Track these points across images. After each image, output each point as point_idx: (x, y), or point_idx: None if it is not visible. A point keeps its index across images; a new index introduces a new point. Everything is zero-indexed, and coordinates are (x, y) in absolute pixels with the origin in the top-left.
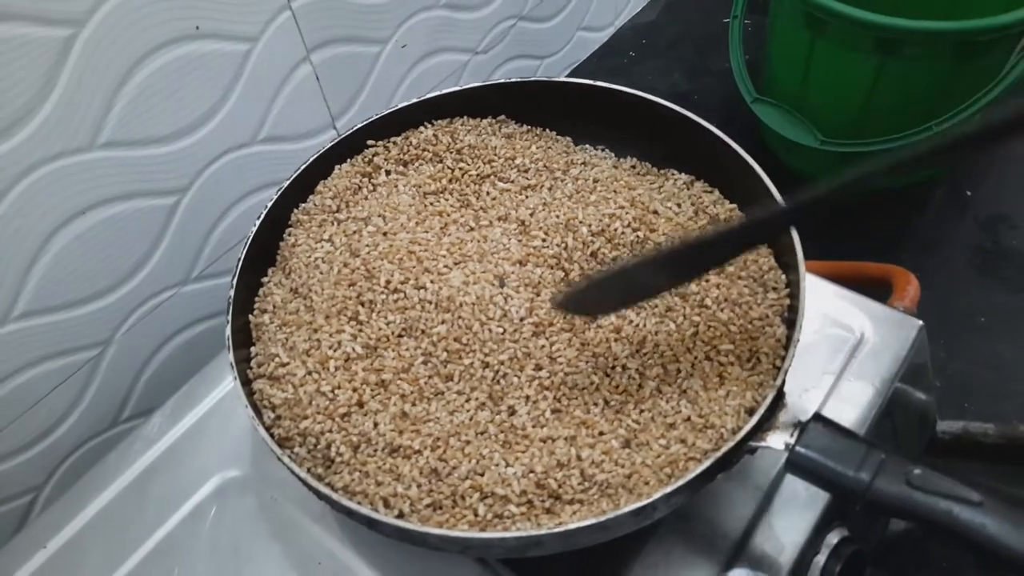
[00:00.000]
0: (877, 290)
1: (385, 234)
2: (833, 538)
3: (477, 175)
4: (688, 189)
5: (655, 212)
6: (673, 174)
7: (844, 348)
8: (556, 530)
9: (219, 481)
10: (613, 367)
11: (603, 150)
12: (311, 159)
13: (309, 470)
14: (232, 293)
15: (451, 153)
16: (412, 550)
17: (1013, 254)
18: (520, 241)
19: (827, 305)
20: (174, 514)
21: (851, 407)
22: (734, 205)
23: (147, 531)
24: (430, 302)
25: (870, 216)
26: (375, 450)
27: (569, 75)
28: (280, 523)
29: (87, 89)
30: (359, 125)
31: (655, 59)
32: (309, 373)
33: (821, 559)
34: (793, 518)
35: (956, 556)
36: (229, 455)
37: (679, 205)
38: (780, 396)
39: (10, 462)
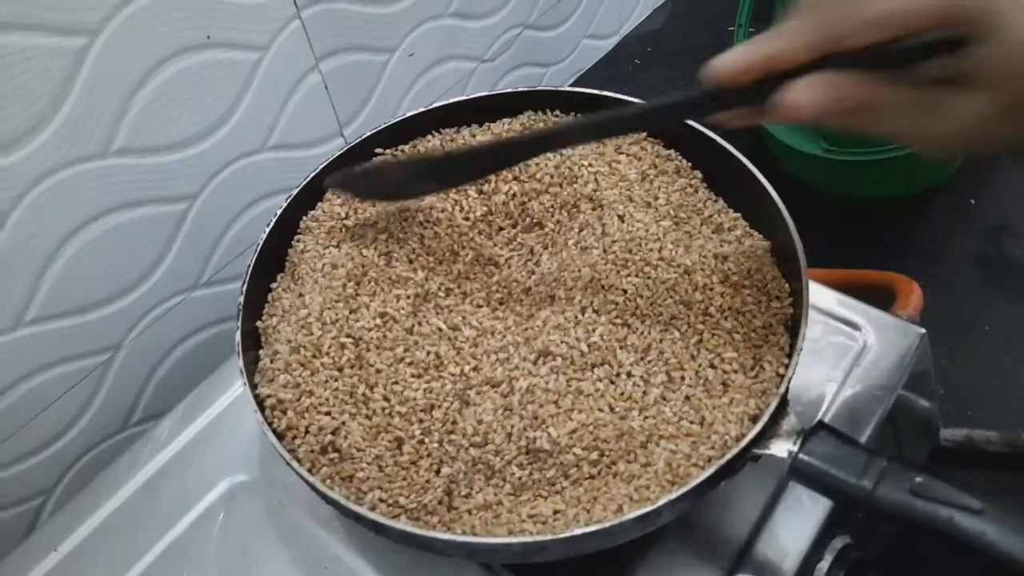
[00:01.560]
0: (880, 298)
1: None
2: (836, 544)
3: None
4: (693, 195)
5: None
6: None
7: (847, 356)
8: (561, 535)
9: (228, 485)
10: (618, 374)
11: None
12: (320, 167)
13: (316, 474)
14: (242, 298)
15: None
16: (418, 555)
17: (1016, 263)
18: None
19: (830, 313)
20: (183, 518)
21: (854, 414)
22: (738, 214)
23: (157, 534)
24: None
25: (873, 224)
26: (384, 453)
27: (575, 82)
28: (288, 527)
29: (101, 97)
30: (367, 134)
31: (660, 67)
32: (316, 376)
33: (824, 566)
34: (796, 525)
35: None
36: (238, 459)
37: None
38: (783, 404)
39: (21, 465)
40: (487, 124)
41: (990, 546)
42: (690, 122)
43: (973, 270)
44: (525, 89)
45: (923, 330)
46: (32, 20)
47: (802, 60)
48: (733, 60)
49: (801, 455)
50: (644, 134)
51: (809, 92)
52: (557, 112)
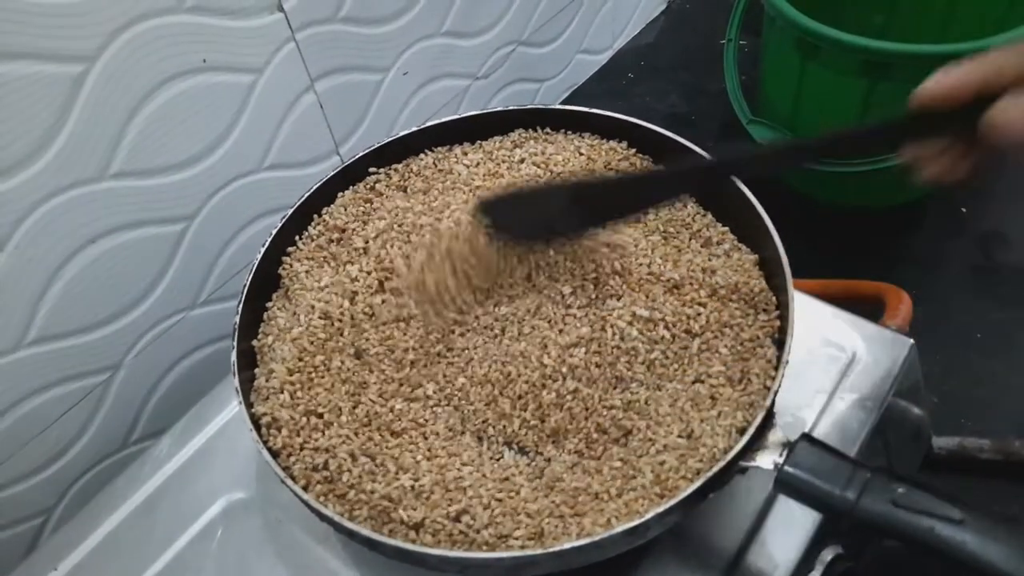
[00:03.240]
0: (870, 308)
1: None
2: (827, 555)
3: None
4: (682, 210)
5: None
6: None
7: (836, 367)
8: (551, 550)
9: (226, 503)
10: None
11: None
12: (315, 187)
13: (310, 491)
14: (238, 319)
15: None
16: (415, 571)
17: (1008, 271)
18: None
19: (819, 325)
20: (182, 535)
21: (843, 425)
22: (727, 228)
23: (156, 552)
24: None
25: (865, 233)
26: (378, 471)
27: (569, 97)
28: (285, 544)
29: (98, 122)
30: (361, 153)
31: (653, 81)
32: (310, 393)
33: None
34: (787, 535)
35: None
36: (236, 477)
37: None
38: (770, 416)
39: (22, 485)
40: (479, 142)
41: (970, 556)
42: (674, 136)
43: (965, 278)
44: (516, 108)
45: (911, 341)
46: (30, 48)
47: (1012, 80)
48: (945, 79)
49: (787, 467)
50: (633, 150)
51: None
52: (547, 129)
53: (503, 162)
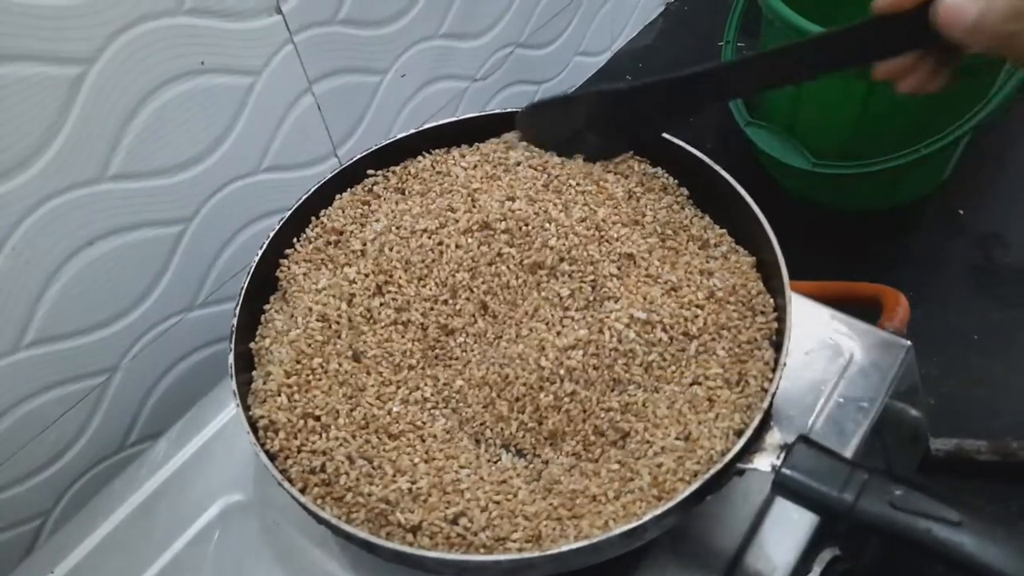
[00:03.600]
0: (868, 310)
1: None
2: (825, 557)
3: None
4: (679, 212)
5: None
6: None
7: (833, 369)
8: (549, 552)
9: (223, 505)
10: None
11: None
12: (312, 189)
13: (308, 494)
14: (235, 321)
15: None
16: (410, 573)
17: (1005, 271)
18: None
19: (817, 327)
20: (179, 538)
21: (840, 427)
22: (724, 230)
23: (153, 555)
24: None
25: (863, 235)
26: (375, 473)
27: None
28: (282, 547)
29: (96, 124)
30: (358, 156)
31: None
32: (308, 395)
33: None
34: (785, 537)
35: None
36: (233, 479)
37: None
38: (767, 418)
39: (19, 487)
40: (477, 144)
41: (967, 557)
42: (670, 138)
43: (963, 279)
44: (514, 110)
45: (908, 343)
46: (28, 50)
47: None
48: None
49: (784, 469)
50: (631, 153)
51: None
52: None
53: (499, 164)
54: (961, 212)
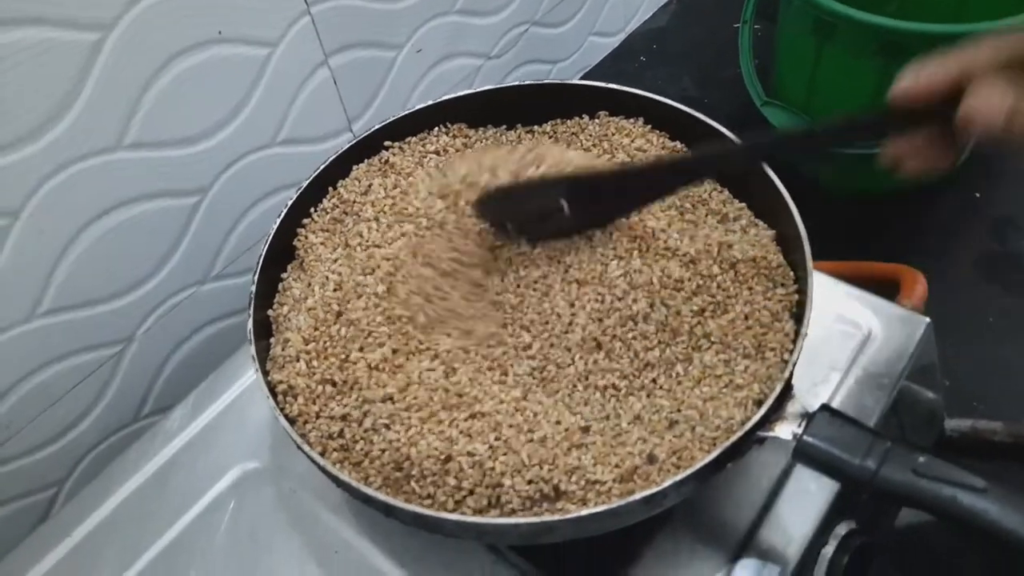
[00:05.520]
0: (885, 289)
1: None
2: (841, 530)
3: None
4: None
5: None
6: None
7: (851, 345)
8: (568, 516)
9: (238, 473)
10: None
11: None
12: (330, 159)
13: (327, 458)
14: (254, 287)
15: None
16: (427, 539)
17: (1021, 256)
18: None
19: (835, 302)
20: (194, 505)
21: (858, 403)
22: (743, 204)
23: (169, 522)
24: None
25: (878, 218)
26: (391, 435)
27: (581, 79)
28: (298, 514)
29: (113, 92)
30: (376, 127)
31: (665, 65)
32: (327, 363)
33: (829, 551)
34: (801, 510)
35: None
36: (248, 448)
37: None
38: (788, 388)
39: (33, 457)
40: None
41: (993, 524)
42: (693, 112)
43: (978, 263)
44: (532, 83)
45: (927, 319)
46: (46, 15)
47: (983, 72)
48: (918, 77)
49: (805, 437)
50: (649, 127)
51: (998, 91)
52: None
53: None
54: (977, 196)
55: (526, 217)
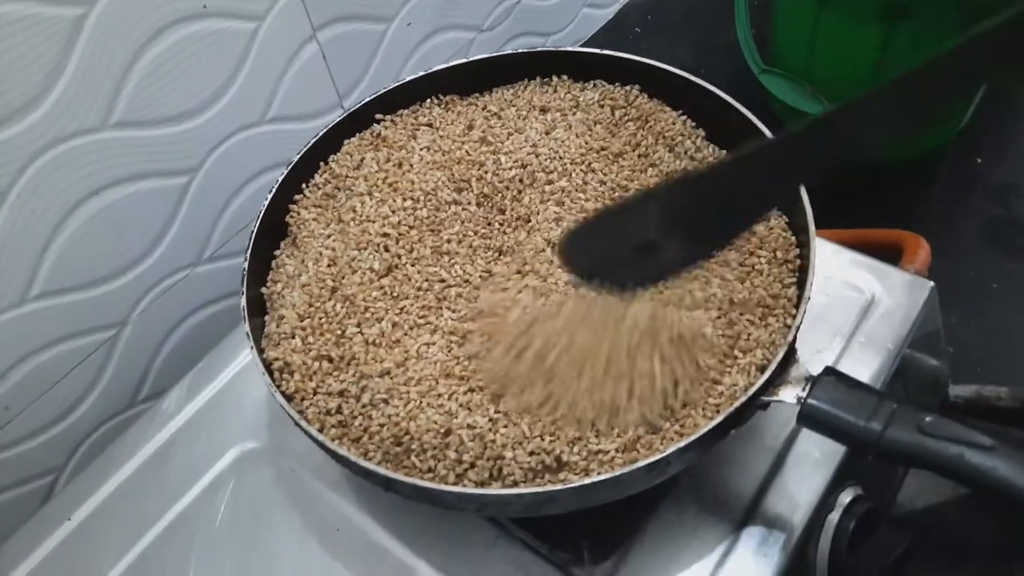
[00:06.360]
0: (888, 257)
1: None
2: (846, 496)
3: None
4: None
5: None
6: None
7: (855, 310)
8: (571, 486)
9: (237, 453)
10: None
11: None
12: (321, 133)
13: (325, 434)
14: (246, 265)
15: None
16: (428, 513)
17: (1023, 222)
18: None
19: (838, 268)
20: (194, 486)
21: (862, 368)
22: None
23: (168, 503)
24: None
25: (879, 186)
26: (390, 410)
27: None
28: (298, 492)
29: (99, 68)
30: (367, 99)
31: (661, 35)
32: (322, 339)
33: (835, 517)
34: (806, 477)
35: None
36: (246, 428)
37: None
38: (791, 353)
39: (30, 443)
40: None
41: (1001, 481)
42: (694, 79)
43: (981, 230)
44: (526, 51)
45: (931, 283)
46: None
47: None
48: None
49: (810, 400)
50: (646, 95)
51: None
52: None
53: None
54: (979, 161)
55: (618, 258)
